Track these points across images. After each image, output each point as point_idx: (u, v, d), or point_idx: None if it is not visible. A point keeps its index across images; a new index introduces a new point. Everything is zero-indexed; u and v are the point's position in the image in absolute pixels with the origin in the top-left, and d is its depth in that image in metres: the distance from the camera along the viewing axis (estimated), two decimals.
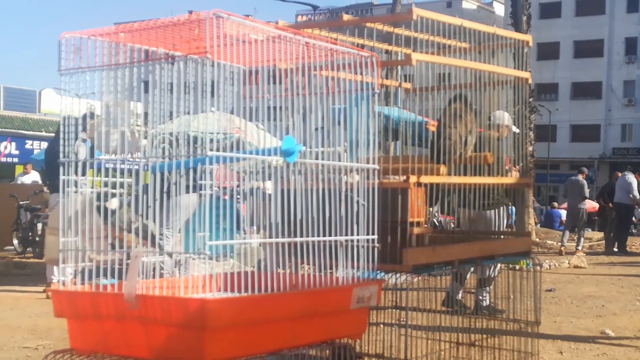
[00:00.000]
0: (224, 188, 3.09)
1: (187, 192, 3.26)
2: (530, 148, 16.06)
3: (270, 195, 2.98)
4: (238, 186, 2.98)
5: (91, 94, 2.76)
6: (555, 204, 33.15)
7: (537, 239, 16.81)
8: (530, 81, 4.17)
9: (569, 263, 15.04)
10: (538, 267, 4.18)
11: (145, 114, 2.78)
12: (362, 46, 3.54)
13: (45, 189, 14.05)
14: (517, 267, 8.17)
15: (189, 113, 2.74)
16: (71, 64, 2.72)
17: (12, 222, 14.58)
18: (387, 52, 4.11)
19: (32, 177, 16.76)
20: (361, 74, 3.07)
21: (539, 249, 15.63)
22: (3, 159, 29.96)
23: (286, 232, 2.81)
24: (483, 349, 4.14)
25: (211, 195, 2.71)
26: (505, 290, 4.39)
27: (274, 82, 3.07)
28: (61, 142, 2.75)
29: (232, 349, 2.56)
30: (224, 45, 2.66)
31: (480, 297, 8.28)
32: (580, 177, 15.74)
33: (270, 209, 2.93)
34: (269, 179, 3.00)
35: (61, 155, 2.74)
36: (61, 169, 2.74)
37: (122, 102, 2.73)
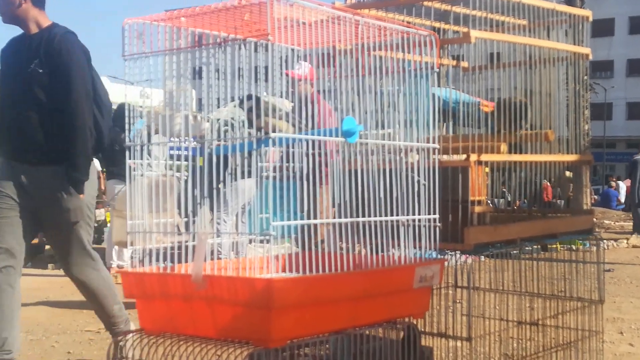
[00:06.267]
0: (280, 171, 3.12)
1: (243, 177, 3.29)
2: (586, 127, 15.80)
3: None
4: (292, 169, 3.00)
5: (146, 80, 2.80)
6: (613, 184, 32.66)
7: (594, 219, 16.63)
8: (590, 57, 4.12)
9: (627, 243, 14.82)
10: (601, 245, 4.13)
11: (200, 100, 2.81)
12: (409, 23, 3.51)
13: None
14: (574, 247, 8.11)
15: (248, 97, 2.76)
16: (134, 49, 2.76)
17: None
18: (439, 30, 4.08)
19: None
20: (420, 53, 3.06)
21: (597, 229, 15.45)
22: None
23: (349, 212, 2.82)
24: (545, 328, 4.11)
25: (274, 177, 2.74)
26: (563, 270, 4.35)
27: (332, 65, 3.08)
28: (126, 126, 2.80)
29: (298, 328, 2.60)
30: (283, 27, 2.67)
31: None
32: None
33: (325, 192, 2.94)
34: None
35: (126, 139, 2.79)
36: (127, 153, 2.79)
37: (185, 86, 2.76)
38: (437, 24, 3.98)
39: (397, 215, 2.96)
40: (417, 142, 3.08)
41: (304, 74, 4.72)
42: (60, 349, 5.67)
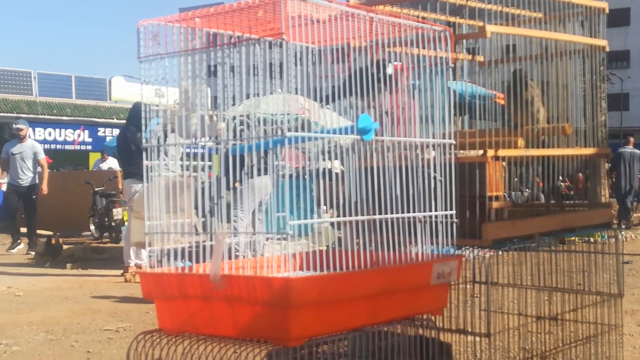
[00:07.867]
0: (296, 169, 3.12)
1: (259, 174, 3.29)
2: (603, 118, 15.72)
3: (338, 174, 2.99)
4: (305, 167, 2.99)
5: (162, 79, 2.79)
6: None
7: (612, 211, 16.52)
8: (607, 49, 4.09)
9: None
10: (619, 237, 4.10)
11: (215, 98, 2.81)
12: (424, 18, 3.51)
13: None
14: (592, 239, 8.05)
15: (257, 95, 2.76)
16: (150, 51, 2.77)
17: (88, 208, 14.99)
18: (454, 25, 4.07)
19: (109, 163, 17.17)
20: (434, 48, 3.05)
21: (614, 221, 15.34)
22: (77, 147, 30.76)
23: (365, 210, 2.82)
24: (564, 322, 4.09)
25: (290, 176, 2.74)
26: (582, 264, 4.32)
27: (346, 61, 3.07)
28: (143, 128, 2.81)
29: (316, 326, 2.60)
30: (298, 25, 2.67)
31: None
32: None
33: (340, 189, 2.94)
34: (336, 158, 3.01)
35: (144, 140, 2.80)
36: (144, 154, 2.80)
37: (201, 87, 2.77)
38: (451, 19, 3.97)
39: (414, 212, 2.95)
40: (433, 138, 3.07)
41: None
42: (80, 348, 5.70)
